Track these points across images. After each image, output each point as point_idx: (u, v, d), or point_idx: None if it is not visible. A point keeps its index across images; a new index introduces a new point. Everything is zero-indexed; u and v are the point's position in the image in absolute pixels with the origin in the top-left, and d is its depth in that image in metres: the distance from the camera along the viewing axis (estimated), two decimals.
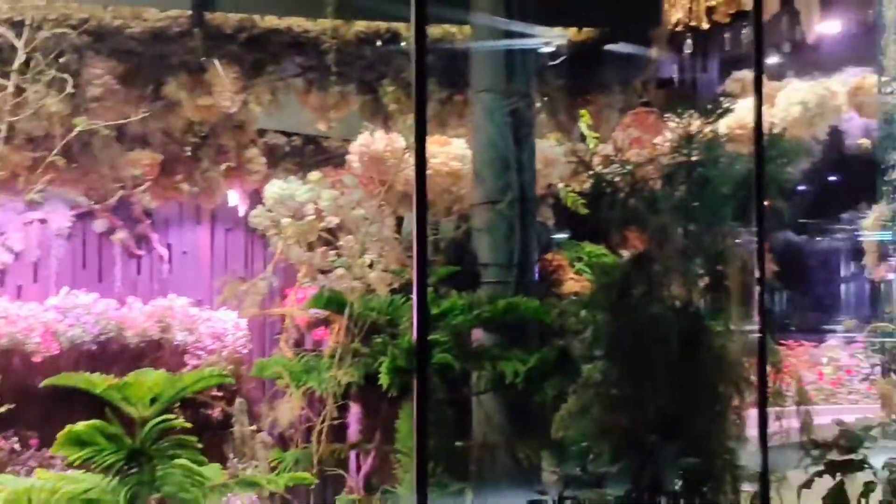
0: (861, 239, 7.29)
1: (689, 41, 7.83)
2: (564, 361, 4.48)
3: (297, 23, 6.32)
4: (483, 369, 4.39)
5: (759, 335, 4.16)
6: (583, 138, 7.94)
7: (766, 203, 4.95)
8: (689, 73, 10.49)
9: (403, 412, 4.60)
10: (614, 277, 5.07)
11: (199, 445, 3.77)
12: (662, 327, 4.87)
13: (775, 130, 5.41)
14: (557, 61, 6.83)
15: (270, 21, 6.36)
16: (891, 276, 6.67)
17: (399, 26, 6.16)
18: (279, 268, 6.25)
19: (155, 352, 6.93)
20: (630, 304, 4.98)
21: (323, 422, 4.32)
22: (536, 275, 5.26)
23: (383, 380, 3.93)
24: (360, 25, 6.23)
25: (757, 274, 4.46)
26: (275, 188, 5.13)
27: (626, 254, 5.63)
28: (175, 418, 3.79)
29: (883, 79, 6.80)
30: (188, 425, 3.82)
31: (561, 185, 7.26)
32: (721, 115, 5.10)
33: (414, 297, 3.31)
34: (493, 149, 4.93)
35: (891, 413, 6.19)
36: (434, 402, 4.32)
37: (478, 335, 4.83)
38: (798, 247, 18.85)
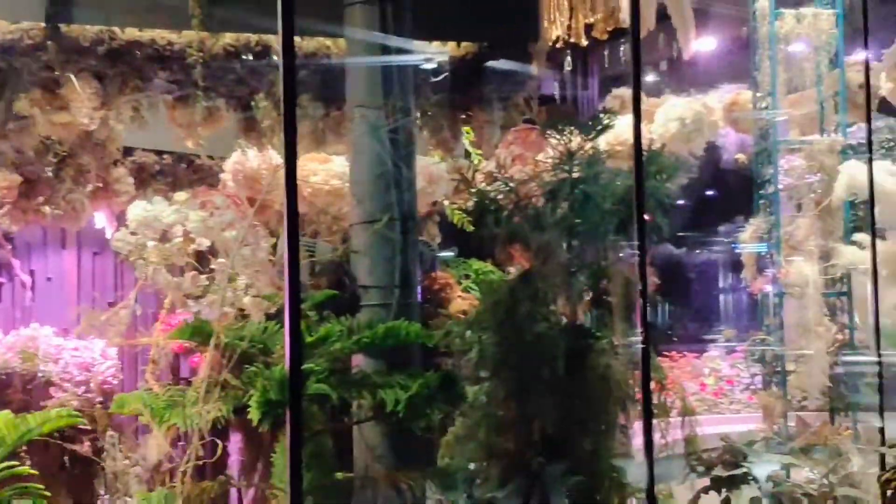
0: (739, 252, 7.43)
1: (569, 58, 7.87)
2: (448, 386, 4.34)
3: (161, 35, 6.00)
4: (362, 398, 4.21)
5: (642, 349, 4.11)
6: (467, 155, 7.88)
7: (647, 217, 4.96)
8: (570, 90, 10.58)
9: (280, 446, 4.39)
10: (498, 296, 4.98)
11: (47, 493, 3.46)
12: (547, 345, 4.80)
13: (654, 146, 5.45)
14: (440, 77, 6.74)
15: (132, 33, 6.02)
16: (769, 288, 6.80)
17: (270, 39, 5.91)
18: (151, 294, 5.93)
19: (17, 384, 6.49)
20: (515, 322, 4.90)
21: (188, 461, 4.06)
22: (420, 296, 5.12)
23: (253, 414, 3.72)
24: (229, 38, 5.94)
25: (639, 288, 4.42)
26: (138, 209, 4.84)
27: (513, 271, 5.57)
28: (18, 465, 3.46)
29: (757, 94, 6.95)
30: (34, 472, 3.51)
31: (447, 203, 7.18)
32: (600, 132, 5.08)
33: (286, 324, 3.11)
34: (371, 166, 4.76)
35: (772, 424, 6.28)
36: (312, 433, 4.12)
37: (360, 361, 4.65)
38: (679, 260, 19.36)
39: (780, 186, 6.78)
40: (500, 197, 5.09)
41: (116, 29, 6.00)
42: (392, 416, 4.08)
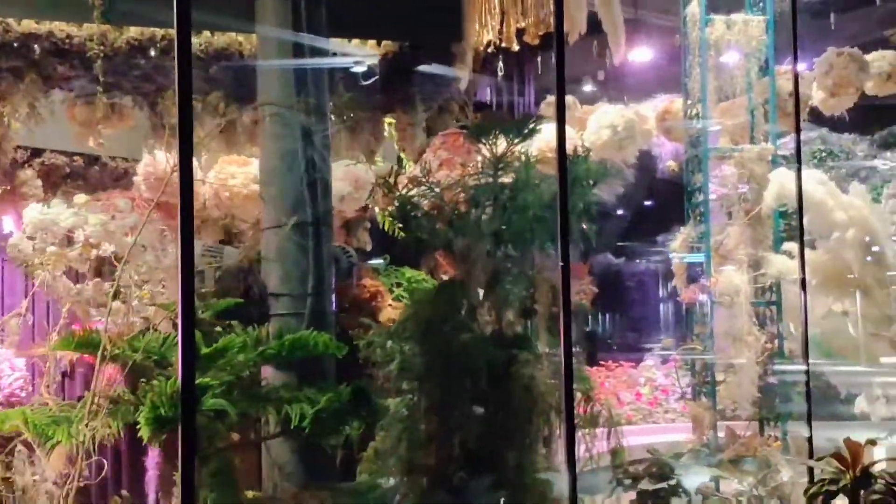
0: (671, 261, 7.36)
1: (501, 63, 7.76)
2: (360, 399, 4.15)
3: (60, 27, 5.68)
4: (266, 412, 4.00)
5: (564, 359, 3.97)
6: (399, 161, 7.71)
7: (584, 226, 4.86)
8: (507, 97, 10.48)
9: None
10: (420, 305, 4.82)
11: None
12: (470, 356, 4.66)
13: (583, 152, 5.34)
14: (368, 81, 6.57)
15: (28, 25, 5.68)
16: (702, 297, 6.74)
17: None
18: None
19: None
20: (437, 332, 4.74)
21: (70, 481, 3.81)
22: (348, 305, 4.92)
23: (143, 431, 3.49)
24: (133, 32, 5.67)
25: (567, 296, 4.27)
26: (34, 212, 4.57)
27: (446, 279, 5.41)
28: None
29: (688, 102, 6.89)
30: None
31: (378, 209, 7.00)
32: (526, 137, 4.96)
33: (179, 334, 2.90)
34: (282, 167, 4.56)
35: (702, 435, 6.20)
36: (216, 450, 3.90)
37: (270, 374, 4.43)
38: (618, 270, 19.42)
39: (710, 195, 6.73)
40: (424, 202, 4.94)
41: (11, 21, 5.68)
42: (299, 431, 3.87)
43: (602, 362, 12.43)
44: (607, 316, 19.86)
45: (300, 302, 4.53)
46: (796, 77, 5.51)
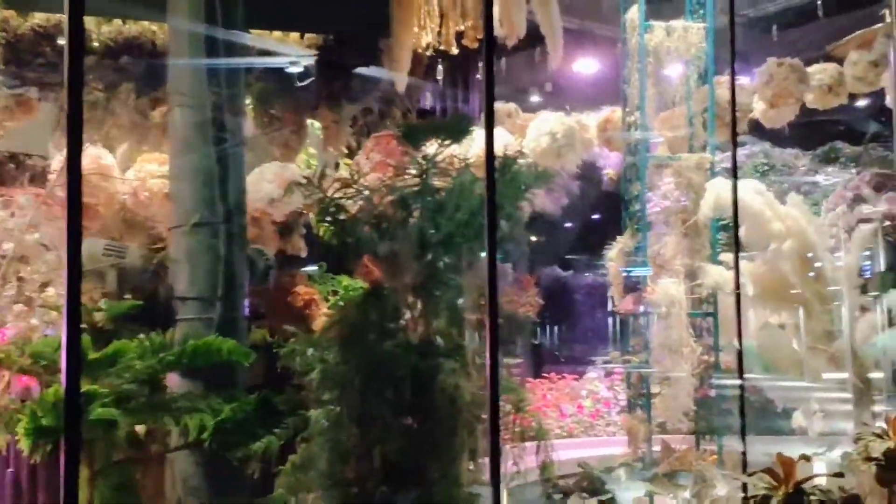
0: (624, 273, 7.25)
1: (441, 68, 7.64)
2: (268, 411, 3.94)
3: None
4: (164, 424, 3.78)
5: (490, 371, 3.81)
6: (337, 165, 7.52)
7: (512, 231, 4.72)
8: (447, 102, 10.35)
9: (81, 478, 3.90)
10: (344, 312, 4.63)
11: None
12: (395, 366, 4.48)
13: (522, 158, 5.21)
14: (305, 82, 6.37)
15: None
16: (639, 308, 6.63)
17: (88, 20, 5.38)
18: None
19: None
20: (360, 340, 4.56)
21: None
22: (247, 310, 4.70)
23: (23, 443, 3.26)
24: (39, 18, 5.39)
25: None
26: None
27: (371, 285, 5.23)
28: None
29: (627, 110, 6.79)
30: None
31: (312, 214, 6.81)
32: (458, 139, 4.82)
33: (63, 337, 2.70)
34: (191, 164, 4.34)
35: (637, 449, 6.08)
36: (114, 463, 3.67)
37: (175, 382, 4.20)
38: (565, 281, 19.40)
39: (655, 207, 6.64)
40: (349, 204, 4.77)
41: None
42: (201, 444, 3.65)
43: (546, 374, 12.35)
44: (555, 328, 19.85)
45: (209, 306, 4.31)
46: (733, 85, 5.44)
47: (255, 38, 4.51)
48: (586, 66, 12.19)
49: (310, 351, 4.58)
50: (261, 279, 5.65)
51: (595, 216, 16.71)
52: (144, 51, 5.39)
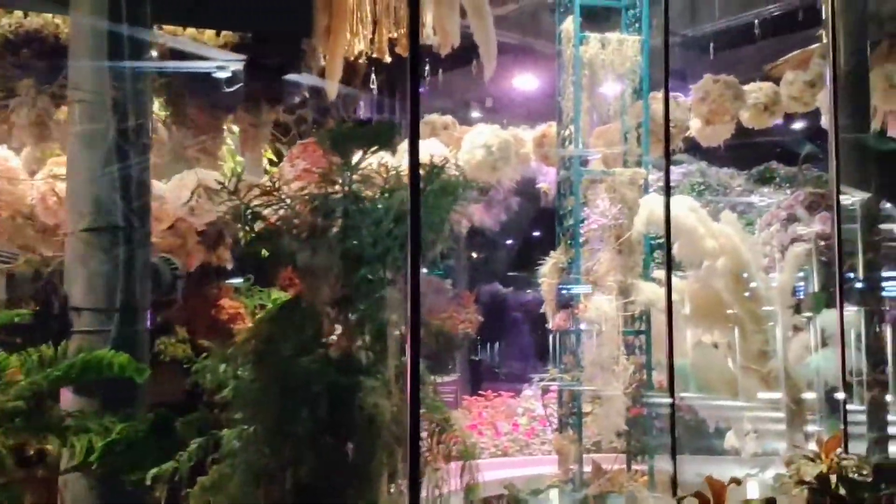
0: (563, 291, 7.10)
1: (374, 77, 7.48)
2: (163, 431, 3.69)
3: None
4: (48, 443, 3.52)
5: (410, 387, 3.61)
6: (266, 171, 7.29)
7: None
8: (384, 112, 10.17)
9: None
10: (258, 326, 4.42)
11: None
12: (312, 382, 4.28)
13: (455, 170, 5.06)
14: (232, 88, 6.13)
15: None
16: (571, 325, 6.50)
17: None
18: None
19: None
20: (276, 356, 4.34)
21: None
22: (149, 322, 4.44)
23: None
24: None
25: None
26: None
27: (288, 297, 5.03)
28: None
29: (562, 122, 6.68)
30: None
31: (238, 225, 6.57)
32: (382, 146, 4.64)
33: None
34: (88, 167, 4.09)
35: (567, 469, 5.93)
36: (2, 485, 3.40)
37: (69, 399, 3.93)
38: (504, 298, 19.28)
39: (592, 224, 6.52)
40: (267, 212, 4.57)
41: None
42: (90, 466, 3.40)
43: (482, 392, 12.19)
44: (494, 345, 19.72)
45: (107, 318, 4.04)
46: (667, 101, 5.34)
47: (166, 35, 4.27)
48: (526, 81, 12.14)
49: (222, 367, 4.36)
50: (168, 290, 5.37)
51: (535, 232, 16.66)
52: (47, 45, 5.12)
